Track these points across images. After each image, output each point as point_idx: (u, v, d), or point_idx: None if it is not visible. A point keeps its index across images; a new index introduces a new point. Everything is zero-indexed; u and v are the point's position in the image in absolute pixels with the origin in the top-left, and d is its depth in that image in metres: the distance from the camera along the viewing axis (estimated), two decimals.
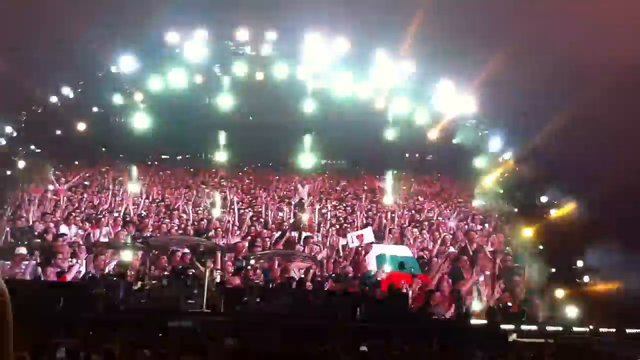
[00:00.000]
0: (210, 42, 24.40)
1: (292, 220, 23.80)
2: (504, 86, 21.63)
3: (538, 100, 21.55)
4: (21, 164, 23.33)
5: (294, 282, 19.33)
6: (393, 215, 24.14)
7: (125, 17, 21.84)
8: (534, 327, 17.27)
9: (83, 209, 23.49)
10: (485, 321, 17.56)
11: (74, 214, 22.44)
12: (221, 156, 24.80)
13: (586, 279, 21.94)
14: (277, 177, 27.48)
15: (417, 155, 26.27)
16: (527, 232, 22.59)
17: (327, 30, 24.04)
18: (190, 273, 18.48)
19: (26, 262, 18.60)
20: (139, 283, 18.20)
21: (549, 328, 17.37)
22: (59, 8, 20.16)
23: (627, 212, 19.70)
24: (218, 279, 18.82)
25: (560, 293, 20.88)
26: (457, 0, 21.24)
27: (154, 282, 18.23)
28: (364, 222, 24.10)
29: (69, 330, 13.76)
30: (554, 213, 23.04)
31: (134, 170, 24.18)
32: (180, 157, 26.05)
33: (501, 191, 24.65)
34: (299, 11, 22.72)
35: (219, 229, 22.52)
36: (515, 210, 24.24)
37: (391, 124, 25.00)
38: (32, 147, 23.69)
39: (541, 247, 22.80)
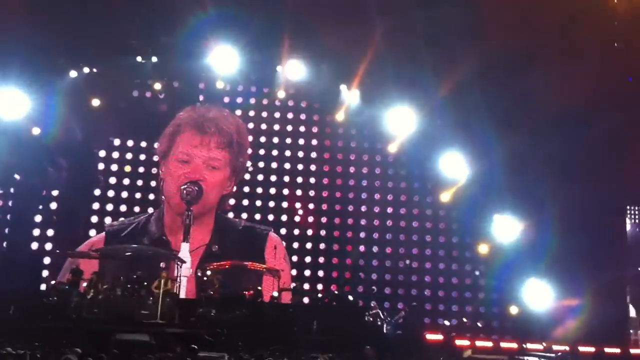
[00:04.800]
0: None
1: None
2: (458, 108, 21.92)
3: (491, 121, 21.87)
4: None
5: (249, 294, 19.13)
6: None
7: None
8: (489, 344, 17.44)
9: None
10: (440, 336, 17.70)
11: None
12: None
13: None
14: None
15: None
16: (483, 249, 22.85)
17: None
18: (145, 283, 18.15)
19: None
20: (91, 292, 17.78)
21: (503, 345, 17.55)
22: None
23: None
24: (178, 290, 18.50)
25: (514, 310, 21.27)
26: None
27: (107, 291, 17.84)
28: None
29: (20, 339, 13.29)
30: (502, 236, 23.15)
31: None
32: None
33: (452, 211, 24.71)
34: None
35: None
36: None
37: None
38: None
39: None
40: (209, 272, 19.75)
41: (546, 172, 21.26)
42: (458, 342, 17.75)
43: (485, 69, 21.04)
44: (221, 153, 23.83)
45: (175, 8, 21.40)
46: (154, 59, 23.29)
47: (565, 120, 20.61)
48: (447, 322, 21.04)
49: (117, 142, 24.23)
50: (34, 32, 19.41)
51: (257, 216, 24.14)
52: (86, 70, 22.92)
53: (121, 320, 16.90)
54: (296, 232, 24.06)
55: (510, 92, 21.18)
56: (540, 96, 20.80)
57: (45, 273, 22.17)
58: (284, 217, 24.20)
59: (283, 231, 24.01)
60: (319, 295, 20.06)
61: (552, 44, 20.24)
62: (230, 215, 24.06)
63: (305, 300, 21.15)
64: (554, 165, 21.46)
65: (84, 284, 18.18)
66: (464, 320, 21.07)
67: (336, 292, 20.91)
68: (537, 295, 21.33)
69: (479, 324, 21.03)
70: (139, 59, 23.19)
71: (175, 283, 19.23)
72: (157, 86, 23.82)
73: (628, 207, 26.43)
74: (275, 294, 19.65)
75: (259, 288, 19.45)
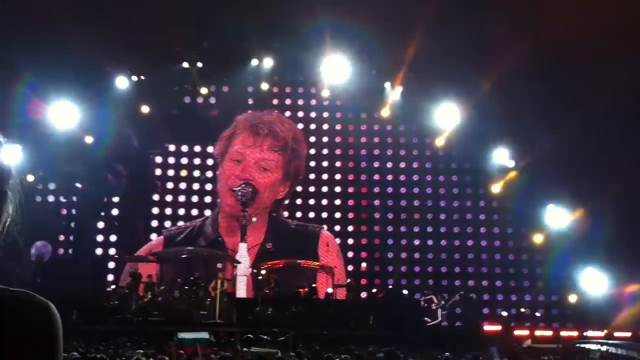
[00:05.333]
0: None
1: None
2: (506, 101, 21.59)
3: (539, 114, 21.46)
4: None
5: (303, 292, 19.30)
6: None
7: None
8: (548, 332, 17.21)
9: None
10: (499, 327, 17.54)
11: None
12: None
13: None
14: None
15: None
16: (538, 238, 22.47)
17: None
18: (202, 284, 18.52)
19: None
20: (149, 294, 18.23)
21: (563, 333, 17.30)
22: None
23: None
24: (235, 289, 18.85)
25: (573, 298, 20.89)
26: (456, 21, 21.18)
27: (166, 293, 18.27)
28: None
29: (84, 342, 13.73)
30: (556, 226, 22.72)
31: None
32: None
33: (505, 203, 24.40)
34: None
35: None
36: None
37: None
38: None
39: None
40: (263, 272, 20.05)
41: (598, 162, 20.83)
42: (517, 332, 17.57)
43: (535, 61, 20.73)
44: (273, 155, 24.09)
45: (215, 14, 21.76)
46: (199, 65, 23.76)
47: (618, 111, 20.13)
48: (505, 313, 20.83)
49: (172, 147, 24.82)
50: (80, 42, 19.91)
51: (311, 214, 24.42)
52: (134, 78, 23.51)
53: (180, 322, 17.29)
54: (350, 228, 24.21)
55: (560, 84, 20.85)
56: (590, 89, 20.37)
57: (110, 277, 22.90)
58: (337, 215, 24.41)
59: (337, 228, 24.23)
60: (374, 290, 20.14)
61: (601, 39, 19.76)
62: (285, 214, 24.40)
63: (363, 295, 21.31)
64: (605, 154, 21.01)
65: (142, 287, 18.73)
66: (523, 310, 20.87)
67: (391, 286, 20.95)
68: (595, 282, 20.93)
69: (537, 313, 20.75)
70: (185, 65, 23.67)
71: (232, 283, 19.62)
72: (205, 91, 24.33)
73: None
74: (330, 290, 19.81)
75: (314, 285, 19.63)
